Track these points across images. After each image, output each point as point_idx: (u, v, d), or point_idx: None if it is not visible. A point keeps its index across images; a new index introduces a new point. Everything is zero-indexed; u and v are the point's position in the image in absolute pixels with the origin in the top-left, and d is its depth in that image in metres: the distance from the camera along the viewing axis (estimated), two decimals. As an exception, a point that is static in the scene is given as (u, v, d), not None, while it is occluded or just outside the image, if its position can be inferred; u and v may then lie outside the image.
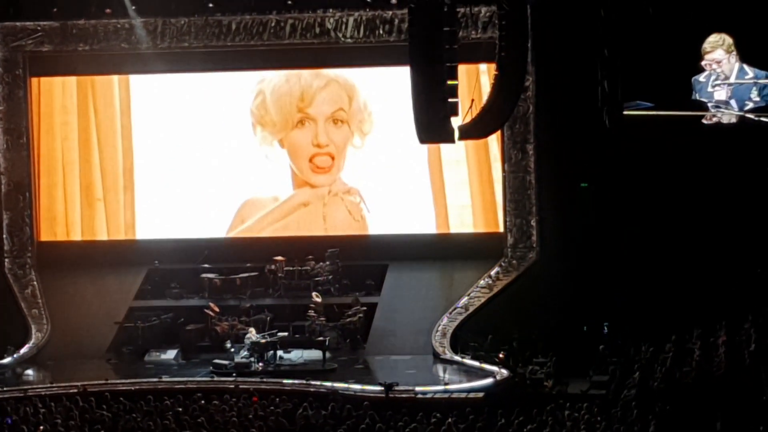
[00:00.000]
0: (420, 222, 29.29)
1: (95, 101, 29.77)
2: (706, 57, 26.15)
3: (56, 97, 29.87)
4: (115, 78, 29.78)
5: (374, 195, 29.45)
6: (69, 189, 29.95)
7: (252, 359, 24.76)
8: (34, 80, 29.70)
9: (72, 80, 29.83)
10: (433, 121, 20.66)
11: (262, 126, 29.51)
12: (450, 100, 20.54)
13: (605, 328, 25.03)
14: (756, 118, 26.04)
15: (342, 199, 29.45)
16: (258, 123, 29.53)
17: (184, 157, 29.73)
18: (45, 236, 29.90)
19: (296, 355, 25.30)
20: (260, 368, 24.52)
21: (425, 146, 27.34)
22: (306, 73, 29.42)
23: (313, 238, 29.32)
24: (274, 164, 29.54)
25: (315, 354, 25.25)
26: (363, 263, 28.67)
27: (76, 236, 30.02)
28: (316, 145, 29.38)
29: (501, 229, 28.46)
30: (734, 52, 25.93)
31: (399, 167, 29.09)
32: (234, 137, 29.59)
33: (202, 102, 29.67)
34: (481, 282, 27.43)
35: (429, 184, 29.22)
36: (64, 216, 30.01)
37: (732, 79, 26.03)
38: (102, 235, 29.94)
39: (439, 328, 26.16)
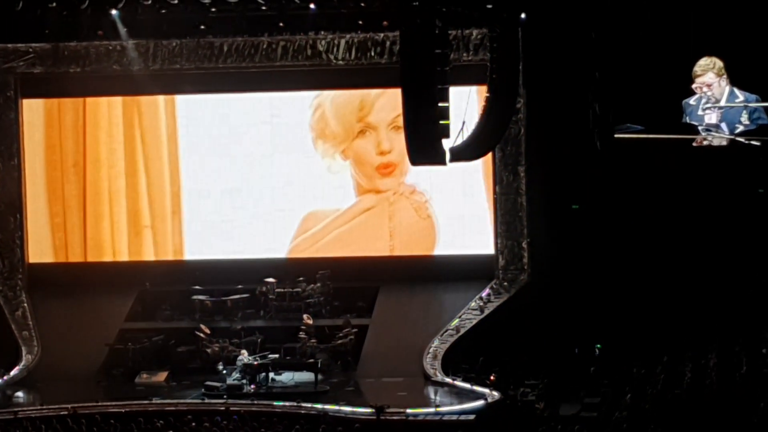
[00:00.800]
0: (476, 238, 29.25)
1: (141, 124, 29.79)
2: (697, 80, 26.18)
3: (102, 126, 29.82)
4: (161, 99, 29.77)
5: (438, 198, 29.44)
6: (116, 217, 29.95)
7: (244, 381, 24.71)
8: (54, 102, 29.85)
9: (118, 104, 29.80)
10: (424, 142, 20.70)
11: (323, 139, 29.53)
12: (441, 122, 20.59)
13: (597, 350, 25.04)
14: (746, 142, 26.07)
15: (407, 198, 29.44)
16: (319, 137, 29.53)
17: (236, 176, 29.79)
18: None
19: (287, 377, 25.25)
20: (252, 390, 24.47)
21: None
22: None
23: (304, 259, 29.33)
24: (336, 176, 29.52)
25: (306, 376, 25.20)
26: (354, 285, 28.65)
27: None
28: (380, 152, 29.40)
29: (492, 251, 28.49)
30: (725, 76, 25.96)
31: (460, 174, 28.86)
32: (289, 153, 29.63)
33: (251, 120, 29.73)
34: (473, 304, 27.42)
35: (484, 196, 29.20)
36: (111, 243, 30.02)
37: (722, 103, 26.05)
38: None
39: (431, 350, 26.13)
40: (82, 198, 29.88)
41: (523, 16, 24.50)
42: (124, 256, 29.96)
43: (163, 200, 29.87)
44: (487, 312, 27.25)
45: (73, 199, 29.91)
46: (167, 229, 29.89)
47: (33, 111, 29.75)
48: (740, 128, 26.02)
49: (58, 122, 29.84)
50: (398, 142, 29.22)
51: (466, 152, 22.47)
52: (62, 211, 29.94)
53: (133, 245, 29.95)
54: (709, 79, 26.05)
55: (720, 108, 26.11)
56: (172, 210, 29.86)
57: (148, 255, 29.92)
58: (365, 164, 29.53)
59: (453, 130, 21.40)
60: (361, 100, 29.41)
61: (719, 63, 25.91)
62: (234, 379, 24.82)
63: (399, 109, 28.47)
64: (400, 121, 28.55)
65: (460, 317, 27.09)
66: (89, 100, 29.77)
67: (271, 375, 25.12)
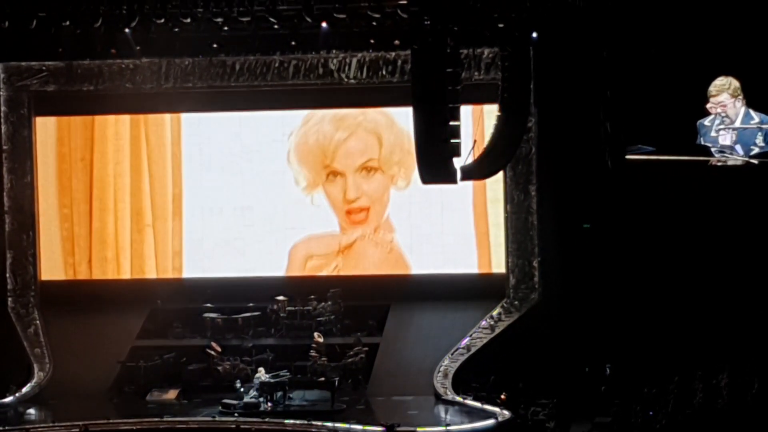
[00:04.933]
0: (462, 261, 29.23)
1: (153, 142, 29.90)
2: (711, 100, 26.13)
3: (111, 144, 29.93)
4: (173, 117, 29.87)
5: (415, 231, 29.43)
6: (120, 214, 29.94)
7: (261, 399, 24.72)
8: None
9: (127, 122, 29.91)
10: (435, 161, 20.76)
11: (300, 179, 29.66)
12: (452, 140, 20.64)
13: (607, 370, 25.01)
14: (758, 163, 26.01)
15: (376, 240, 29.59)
16: (297, 176, 29.67)
17: (248, 193, 29.84)
18: (96, 261, 30.04)
19: (297, 395, 25.25)
20: (269, 408, 24.47)
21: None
22: (327, 126, 29.49)
23: (314, 278, 29.37)
24: (320, 209, 29.65)
25: (317, 394, 25.19)
26: (365, 303, 28.66)
27: (126, 260, 30.11)
28: (346, 200, 29.47)
29: (503, 270, 28.49)
30: (740, 97, 25.86)
31: (443, 205, 29.11)
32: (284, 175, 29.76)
33: (263, 138, 29.78)
34: (483, 323, 27.42)
35: (472, 222, 29.18)
36: (114, 240, 30.00)
37: (737, 124, 25.98)
38: (150, 260, 30.04)
39: (441, 368, 26.12)
40: (89, 215, 30.03)
41: (534, 35, 24.58)
42: (136, 273, 30.01)
43: (176, 216, 29.93)
44: (497, 331, 27.24)
45: (80, 216, 30.06)
46: (179, 246, 29.94)
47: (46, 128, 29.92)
48: (755, 150, 25.97)
49: (68, 140, 29.97)
50: (367, 186, 29.37)
51: (476, 171, 22.55)
52: (71, 228, 30.06)
53: (147, 261, 30.02)
54: (724, 99, 25.98)
55: (734, 129, 26.06)
56: (185, 226, 29.92)
57: (160, 273, 29.96)
58: (336, 208, 29.59)
59: (464, 149, 21.47)
60: (323, 147, 29.45)
61: (735, 83, 25.84)
62: (251, 397, 24.82)
63: (367, 153, 29.08)
64: (371, 164, 29.19)
65: (470, 336, 27.08)
66: (97, 118, 29.89)
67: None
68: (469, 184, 26.95)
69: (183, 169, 29.88)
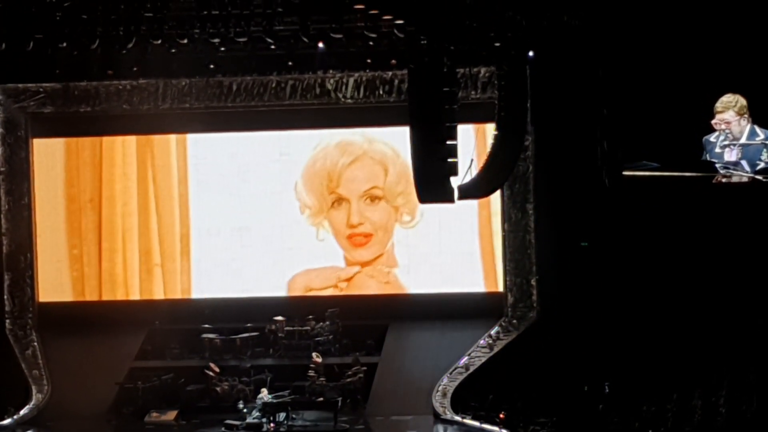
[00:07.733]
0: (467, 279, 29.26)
1: (153, 163, 29.89)
2: (717, 116, 26.12)
3: (117, 165, 29.96)
4: (172, 138, 29.93)
5: (413, 251, 29.44)
6: (128, 254, 29.97)
7: (264, 420, 24.68)
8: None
9: (131, 143, 29.92)
10: (432, 180, 20.79)
11: (306, 208, 29.67)
12: (449, 159, 20.68)
13: (606, 388, 24.99)
14: (765, 180, 25.98)
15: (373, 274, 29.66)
16: (304, 206, 29.67)
17: (246, 214, 29.84)
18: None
19: (296, 415, 25.21)
20: (272, 429, 24.44)
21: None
22: (333, 151, 29.54)
23: (312, 298, 29.36)
24: (325, 243, 29.67)
25: (315, 414, 25.16)
26: (363, 323, 28.64)
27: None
28: (349, 225, 29.49)
29: (501, 289, 28.50)
30: (746, 115, 25.83)
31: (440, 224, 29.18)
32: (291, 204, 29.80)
33: (260, 158, 29.81)
34: (482, 341, 27.41)
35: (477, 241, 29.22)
36: (123, 281, 30.05)
37: (742, 140, 25.97)
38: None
39: (440, 388, 26.10)
40: (98, 235, 29.99)
41: (530, 53, 24.63)
42: (134, 295, 30.00)
43: (173, 239, 29.92)
44: (496, 350, 27.22)
45: (87, 235, 30.01)
46: (176, 267, 29.93)
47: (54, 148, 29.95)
48: (761, 166, 25.96)
49: (77, 160, 29.97)
50: (371, 213, 29.36)
51: (474, 190, 22.59)
52: (76, 248, 30.01)
53: (144, 283, 29.99)
54: (729, 116, 25.94)
55: (740, 145, 26.05)
56: (182, 248, 29.91)
57: (158, 293, 29.95)
58: (339, 235, 29.60)
59: (461, 168, 21.51)
60: (329, 171, 29.47)
61: (742, 101, 25.82)
62: (254, 418, 24.79)
63: (372, 180, 29.09)
64: (375, 193, 29.16)
65: (469, 355, 27.07)
66: (105, 138, 29.92)
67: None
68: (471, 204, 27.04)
69: (180, 189, 29.92)
